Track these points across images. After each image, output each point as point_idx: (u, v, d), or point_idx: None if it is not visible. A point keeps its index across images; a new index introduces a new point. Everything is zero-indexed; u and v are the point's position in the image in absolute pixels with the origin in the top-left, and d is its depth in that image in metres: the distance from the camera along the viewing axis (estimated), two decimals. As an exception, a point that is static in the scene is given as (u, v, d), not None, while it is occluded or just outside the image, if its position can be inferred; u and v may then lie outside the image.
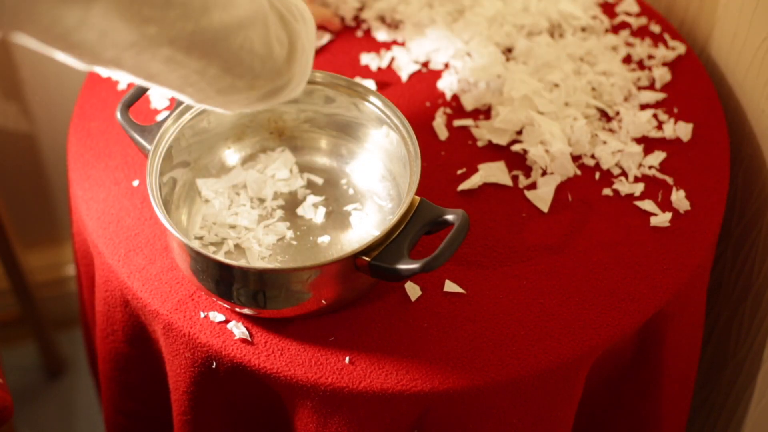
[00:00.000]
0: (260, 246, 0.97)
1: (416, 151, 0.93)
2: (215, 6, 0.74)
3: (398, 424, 0.89)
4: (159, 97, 1.11)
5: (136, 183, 1.03)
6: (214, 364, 0.90)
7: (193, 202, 1.00)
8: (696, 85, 1.13)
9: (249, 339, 0.90)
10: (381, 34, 1.18)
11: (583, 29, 1.18)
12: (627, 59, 1.16)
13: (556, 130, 1.05)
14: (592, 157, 1.06)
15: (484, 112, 1.10)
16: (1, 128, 1.48)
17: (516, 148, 1.06)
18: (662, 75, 1.13)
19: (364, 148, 1.02)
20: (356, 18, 1.21)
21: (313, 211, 1.00)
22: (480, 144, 1.07)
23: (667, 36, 1.18)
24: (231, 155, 1.04)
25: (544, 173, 1.03)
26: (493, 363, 0.89)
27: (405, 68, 1.15)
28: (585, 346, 0.91)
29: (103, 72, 0.81)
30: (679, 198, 1.01)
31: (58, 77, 1.44)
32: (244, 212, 0.99)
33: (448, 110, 1.10)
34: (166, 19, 0.72)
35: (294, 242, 0.98)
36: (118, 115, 0.98)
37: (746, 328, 1.19)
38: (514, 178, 1.04)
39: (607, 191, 1.02)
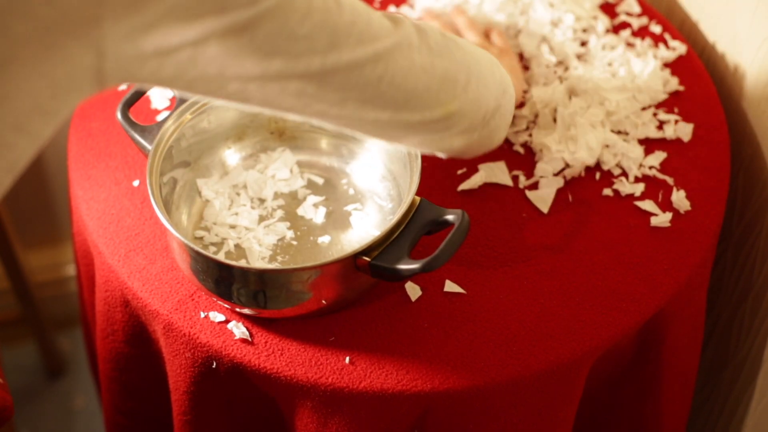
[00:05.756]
0: (260, 246, 0.97)
1: (416, 151, 0.93)
2: (346, 42, 0.72)
3: (398, 424, 0.89)
4: (159, 97, 1.11)
5: (136, 183, 1.03)
6: (214, 364, 0.90)
7: (194, 202, 1.00)
8: (696, 85, 1.13)
9: (249, 339, 0.90)
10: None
11: (584, 30, 1.18)
12: (627, 59, 1.16)
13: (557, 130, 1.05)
14: (593, 157, 1.06)
15: (484, 112, 1.10)
16: (2, 128, 1.48)
17: (517, 147, 1.06)
18: (663, 75, 1.13)
19: (365, 148, 1.02)
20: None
21: (313, 211, 1.00)
22: (480, 144, 1.07)
23: (667, 36, 1.18)
24: (231, 155, 1.04)
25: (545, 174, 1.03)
26: (493, 363, 0.89)
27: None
28: (585, 346, 0.91)
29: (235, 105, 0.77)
30: (679, 198, 1.01)
31: (58, 77, 1.44)
32: (244, 212, 0.99)
33: (449, 110, 1.10)
34: (290, 53, 0.69)
35: (294, 242, 0.98)
36: (119, 115, 0.98)
37: (746, 329, 1.19)
38: (515, 178, 1.03)
39: (607, 191, 1.02)
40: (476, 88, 0.83)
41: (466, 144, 0.86)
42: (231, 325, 0.91)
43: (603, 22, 1.18)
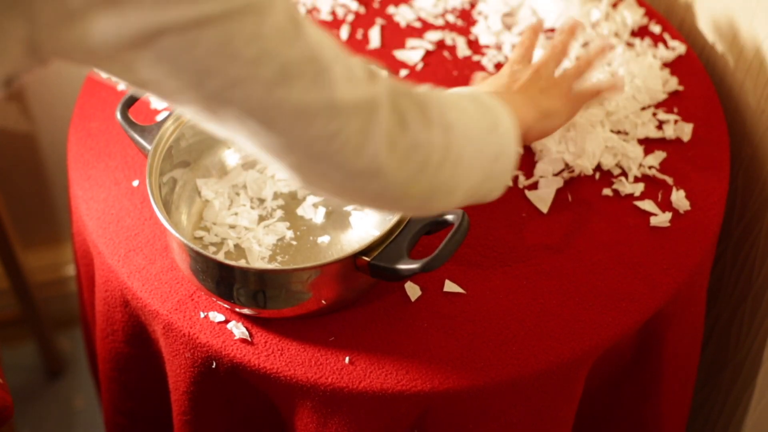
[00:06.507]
0: (260, 246, 0.97)
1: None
2: (299, 81, 0.64)
3: (398, 424, 0.89)
4: (159, 97, 1.11)
5: (136, 183, 1.03)
6: (214, 364, 0.90)
7: (193, 203, 1.00)
8: (696, 85, 1.13)
9: (249, 339, 0.90)
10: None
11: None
12: (627, 59, 1.16)
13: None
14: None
15: (484, 112, 1.10)
16: (1, 128, 1.48)
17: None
18: (662, 75, 1.13)
19: (364, 148, 1.02)
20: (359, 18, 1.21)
21: (313, 211, 1.00)
22: (480, 144, 1.07)
23: (667, 36, 1.18)
24: (231, 155, 1.04)
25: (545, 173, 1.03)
26: (493, 363, 0.89)
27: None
28: (585, 346, 0.91)
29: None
30: (679, 198, 1.01)
31: (58, 77, 1.44)
32: (244, 212, 0.99)
33: (448, 110, 1.10)
34: (227, 75, 0.62)
35: (294, 242, 0.98)
36: (118, 115, 0.98)
37: (746, 329, 1.19)
38: (514, 178, 1.03)
39: (607, 191, 1.02)
40: (453, 168, 0.74)
41: (453, 207, 0.80)
42: (231, 325, 0.91)
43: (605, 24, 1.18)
